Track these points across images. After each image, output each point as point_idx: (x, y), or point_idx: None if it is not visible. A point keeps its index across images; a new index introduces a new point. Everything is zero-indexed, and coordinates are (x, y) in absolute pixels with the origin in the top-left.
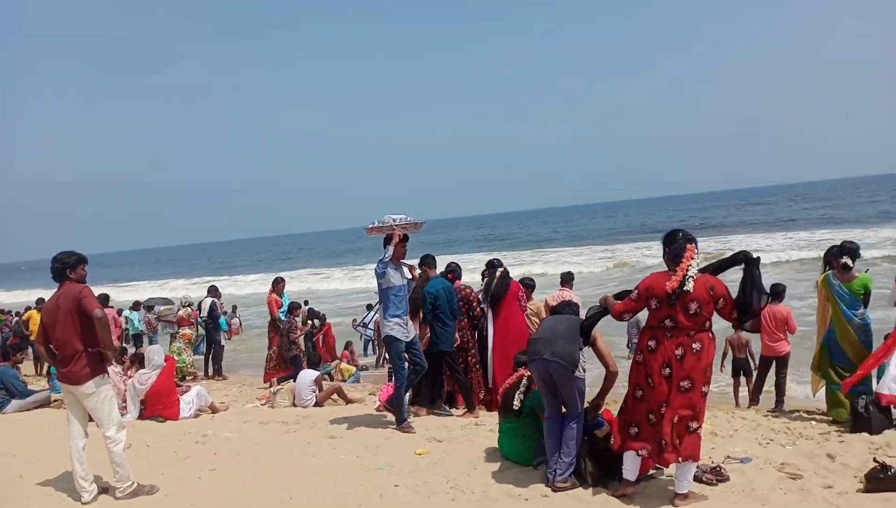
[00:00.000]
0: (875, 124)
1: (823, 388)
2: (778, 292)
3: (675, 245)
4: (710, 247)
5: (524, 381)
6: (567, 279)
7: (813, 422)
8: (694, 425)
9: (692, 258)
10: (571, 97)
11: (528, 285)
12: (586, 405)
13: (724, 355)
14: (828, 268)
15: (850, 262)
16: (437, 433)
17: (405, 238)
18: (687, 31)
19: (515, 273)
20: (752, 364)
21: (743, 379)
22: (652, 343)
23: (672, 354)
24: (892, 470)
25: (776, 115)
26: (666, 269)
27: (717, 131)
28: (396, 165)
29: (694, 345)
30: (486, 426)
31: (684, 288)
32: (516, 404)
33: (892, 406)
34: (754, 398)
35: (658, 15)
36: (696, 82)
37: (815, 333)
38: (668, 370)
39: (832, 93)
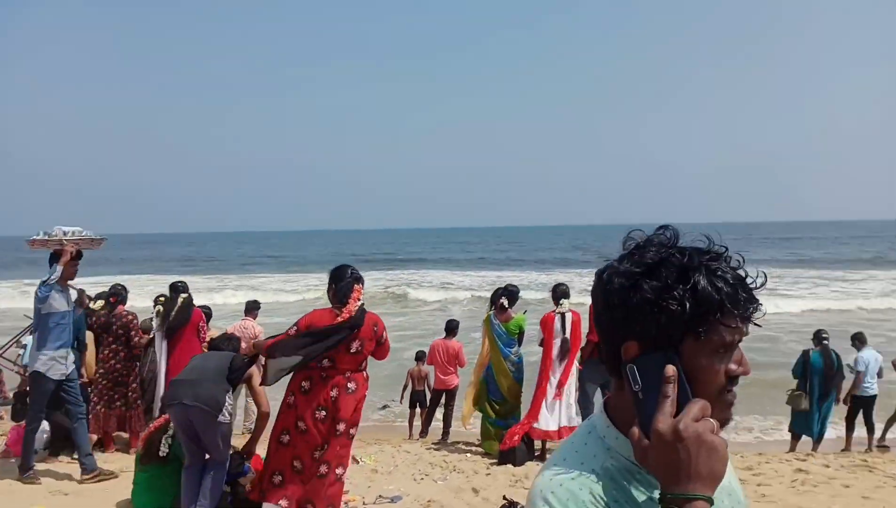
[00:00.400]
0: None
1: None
2: (451, 328)
3: (343, 283)
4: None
5: (171, 424)
6: (251, 308)
7: (469, 455)
8: (339, 471)
9: (359, 299)
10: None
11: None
12: (233, 450)
13: (405, 387)
14: (492, 308)
15: (506, 303)
16: (65, 486)
17: (78, 255)
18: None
19: (204, 300)
20: (427, 396)
21: (418, 410)
22: (306, 384)
23: (328, 395)
24: (518, 507)
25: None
26: (329, 306)
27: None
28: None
29: (349, 385)
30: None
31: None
32: (164, 450)
33: (543, 441)
34: (425, 430)
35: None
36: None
37: (475, 367)
38: (323, 413)
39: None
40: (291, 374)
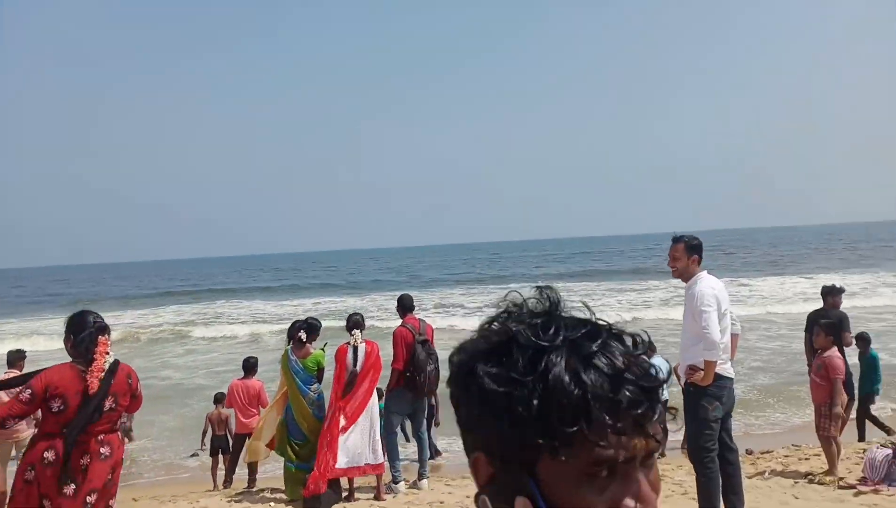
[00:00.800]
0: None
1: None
2: (250, 366)
3: (85, 334)
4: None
5: None
6: (16, 359)
7: (272, 504)
8: None
9: (106, 353)
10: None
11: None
12: None
13: (204, 433)
14: (290, 342)
15: (304, 337)
16: None
17: None
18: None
19: None
20: (229, 442)
21: (221, 457)
22: (50, 455)
23: (78, 465)
24: None
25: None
26: (70, 360)
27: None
28: None
29: (102, 450)
30: None
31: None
32: None
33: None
34: (228, 479)
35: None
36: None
37: (270, 406)
38: (72, 487)
39: None
40: (28, 443)
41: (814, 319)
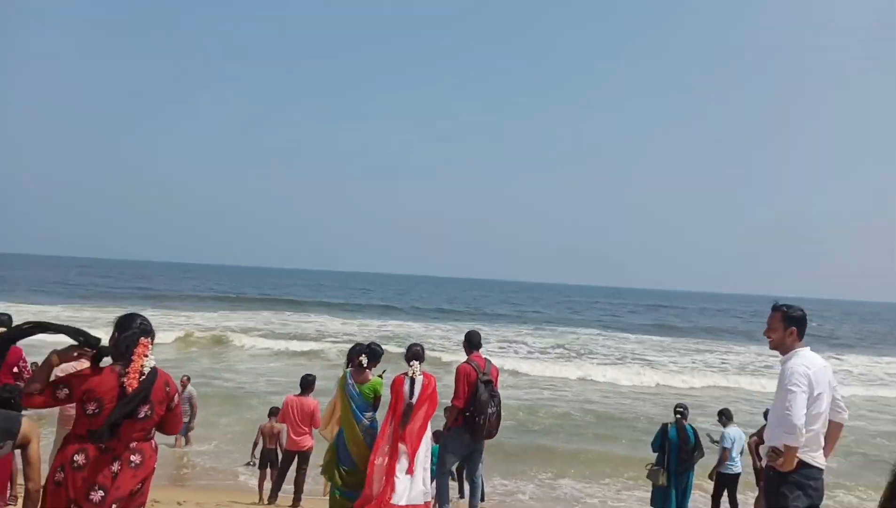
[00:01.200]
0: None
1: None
2: (307, 384)
3: (128, 334)
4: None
5: None
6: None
7: None
8: None
9: (146, 355)
10: None
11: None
12: None
13: (255, 444)
14: (350, 365)
15: (364, 361)
16: None
17: None
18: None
19: None
20: (279, 456)
21: (269, 471)
22: (80, 458)
23: (108, 472)
24: None
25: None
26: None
27: None
28: None
29: (133, 458)
30: None
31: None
32: None
33: None
34: (274, 494)
35: None
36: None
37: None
38: (101, 494)
39: None
40: (59, 445)
41: None
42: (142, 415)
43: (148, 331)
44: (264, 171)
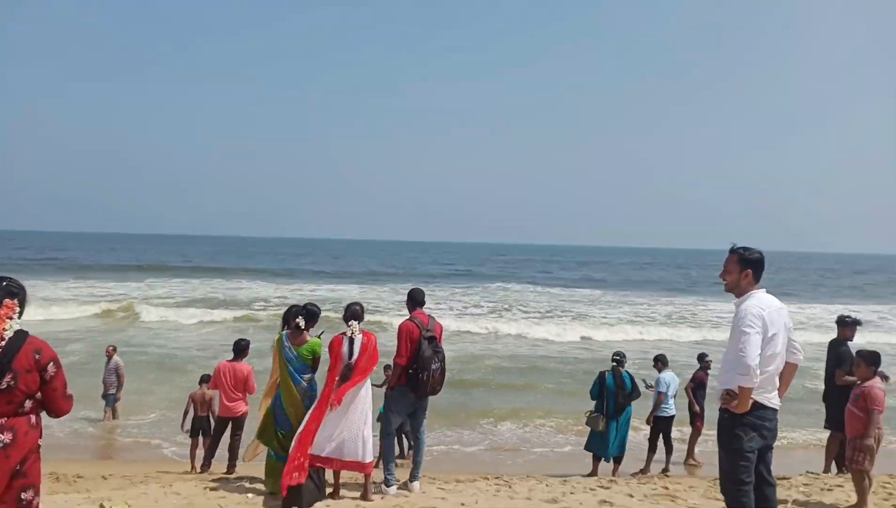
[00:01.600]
0: None
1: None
2: (240, 349)
3: None
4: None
5: None
6: None
7: (250, 496)
8: None
9: (10, 317)
10: None
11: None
12: None
13: (186, 413)
14: (285, 328)
15: (302, 323)
16: None
17: None
18: None
19: None
20: (211, 424)
21: (201, 439)
22: None
23: None
24: None
25: None
26: None
27: None
28: None
29: (2, 437)
30: None
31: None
32: None
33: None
34: (207, 462)
35: None
36: None
37: (264, 395)
38: None
39: None
40: None
41: (835, 348)
42: (3, 386)
43: (14, 293)
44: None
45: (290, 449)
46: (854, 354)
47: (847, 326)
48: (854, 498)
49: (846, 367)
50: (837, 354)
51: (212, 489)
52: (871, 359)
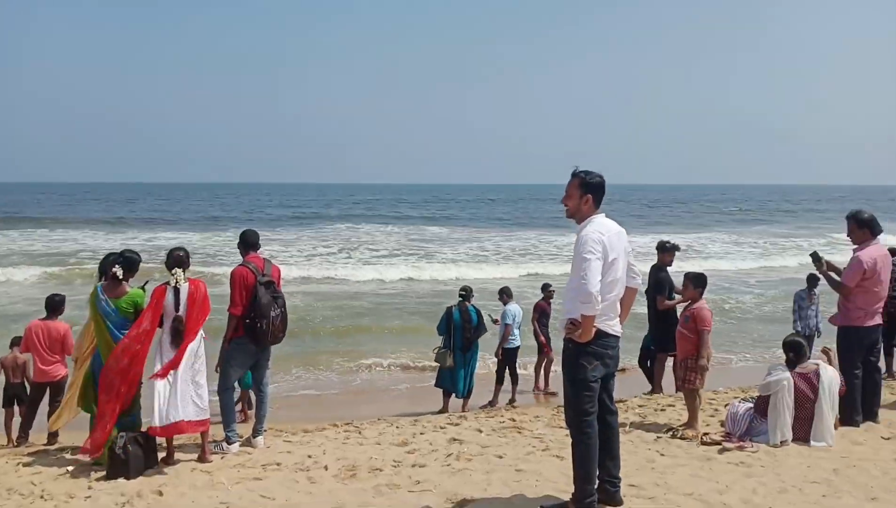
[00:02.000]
0: None
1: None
2: (54, 306)
3: None
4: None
5: None
6: None
7: (70, 468)
8: None
9: None
10: None
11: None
12: None
13: None
14: (103, 279)
15: (120, 273)
16: None
17: None
18: None
19: None
20: (27, 390)
21: (18, 409)
22: None
23: None
24: None
25: None
26: None
27: None
28: None
29: None
30: None
31: None
32: None
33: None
34: (24, 434)
35: None
36: None
37: (79, 363)
38: None
39: None
40: None
41: (655, 273)
42: None
43: None
44: None
45: (98, 421)
46: (672, 280)
47: (666, 251)
48: (686, 416)
49: (665, 292)
50: (657, 279)
51: (25, 464)
52: (698, 281)
